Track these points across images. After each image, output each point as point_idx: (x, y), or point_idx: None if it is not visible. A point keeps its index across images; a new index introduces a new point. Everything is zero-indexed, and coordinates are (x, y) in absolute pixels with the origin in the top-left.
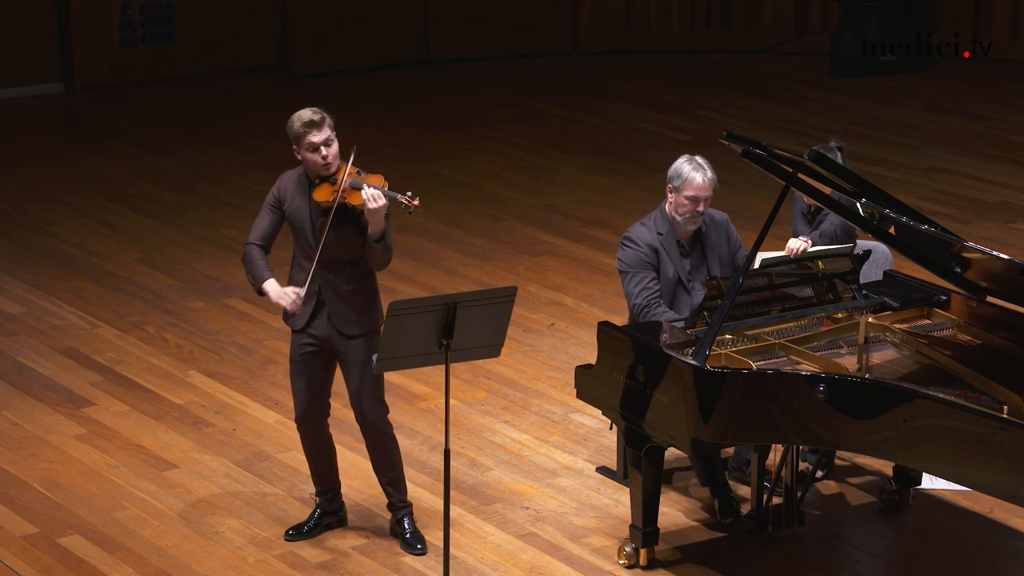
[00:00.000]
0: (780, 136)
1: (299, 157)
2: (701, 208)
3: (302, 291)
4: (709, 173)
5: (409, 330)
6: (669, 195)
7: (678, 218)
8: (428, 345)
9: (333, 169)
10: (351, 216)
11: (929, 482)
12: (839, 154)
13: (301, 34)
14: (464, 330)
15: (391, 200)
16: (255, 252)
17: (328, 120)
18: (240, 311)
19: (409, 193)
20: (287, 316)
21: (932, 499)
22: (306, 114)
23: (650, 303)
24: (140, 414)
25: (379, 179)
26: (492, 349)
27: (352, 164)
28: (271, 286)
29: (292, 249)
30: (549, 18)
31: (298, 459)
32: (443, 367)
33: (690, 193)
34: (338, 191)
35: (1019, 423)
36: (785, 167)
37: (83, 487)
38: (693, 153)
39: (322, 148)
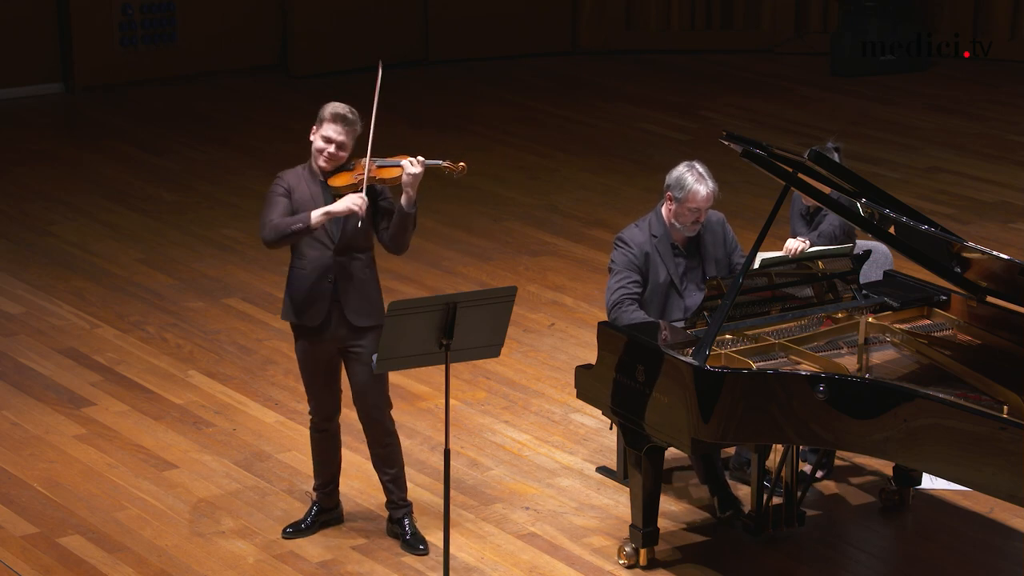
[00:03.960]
0: (780, 136)
1: (311, 139)
2: (702, 219)
3: (361, 192)
4: (711, 184)
5: (409, 330)
6: (669, 203)
7: (677, 225)
8: (428, 345)
9: (329, 168)
10: (372, 199)
11: (929, 482)
12: (836, 154)
13: (301, 34)
14: (464, 330)
15: (433, 168)
16: (277, 219)
17: (356, 129)
18: (240, 311)
19: (450, 160)
20: (299, 313)
21: (932, 499)
22: (341, 108)
23: (621, 301)
24: (140, 414)
25: (404, 157)
26: (492, 349)
27: (371, 158)
28: (318, 211)
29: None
30: (549, 18)
31: (298, 459)
32: (443, 367)
33: (693, 206)
34: (363, 174)
35: (1019, 423)
36: (785, 167)
37: (83, 487)
38: (692, 154)
39: (331, 146)
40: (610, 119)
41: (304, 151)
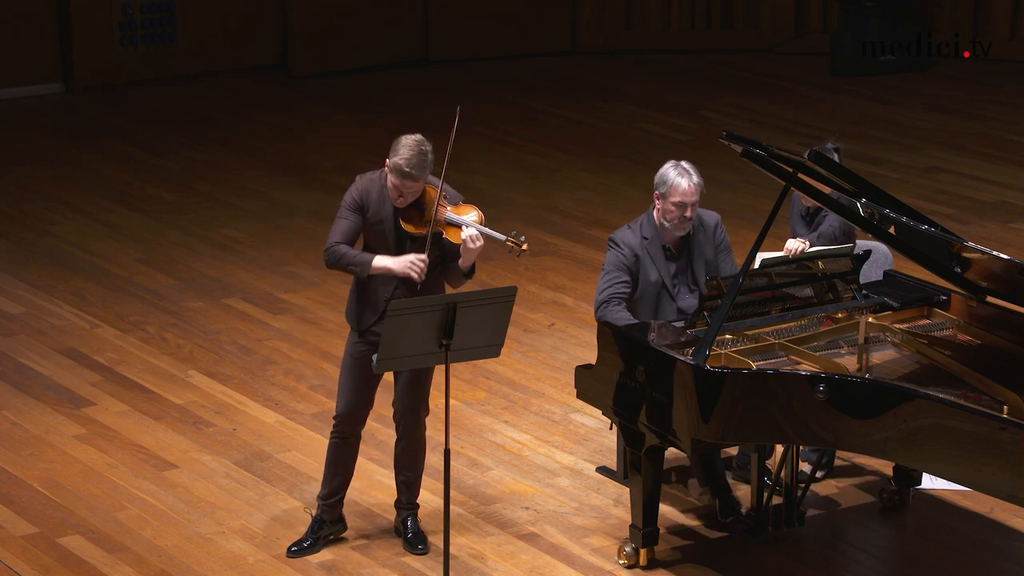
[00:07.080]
0: (780, 136)
1: (386, 171)
2: (688, 214)
3: (424, 255)
4: (695, 178)
5: (409, 330)
6: (656, 201)
7: (667, 224)
8: (428, 345)
9: (405, 204)
10: (438, 245)
11: (929, 482)
12: (836, 155)
13: (301, 34)
14: (464, 330)
15: (493, 240)
16: (343, 247)
17: (426, 175)
18: (240, 311)
19: (514, 233)
20: (358, 314)
21: (932, 499)
22: (405, 162)
23: (608, 300)
24: (140, 414)
25: (473, 210)
26: (492, 349)
27: (441, 191)
28: (383, 259)
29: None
30: (549, 18)
31: (298, 459)
32: (443, 367)
33: (676, 199)
34: (430, 223)
35: (1019, 423)
36: (785, 167)
37: (83, 487)
38: (692, 154)
39: (405, 194)
40: (610, 119)
41: (304, 152)
